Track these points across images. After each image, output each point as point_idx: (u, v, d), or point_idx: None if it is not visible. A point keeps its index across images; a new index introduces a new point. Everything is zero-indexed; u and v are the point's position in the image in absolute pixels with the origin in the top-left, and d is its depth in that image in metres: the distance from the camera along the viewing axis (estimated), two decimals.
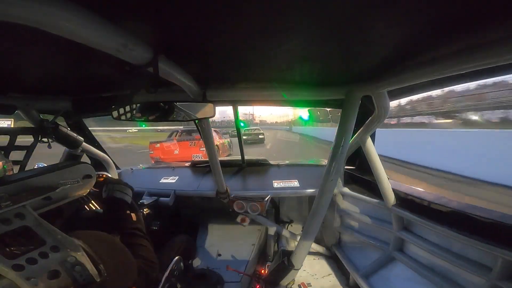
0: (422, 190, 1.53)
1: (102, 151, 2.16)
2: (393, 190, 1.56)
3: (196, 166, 2.68)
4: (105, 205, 1.28)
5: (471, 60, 0.68)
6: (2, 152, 1.28)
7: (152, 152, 8.81)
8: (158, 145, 8.84)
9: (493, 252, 1.02)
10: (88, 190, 1.04)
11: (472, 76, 0.93)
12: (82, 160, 1.95)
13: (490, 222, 1.08)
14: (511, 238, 0.99)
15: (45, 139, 1.48)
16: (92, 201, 1.46)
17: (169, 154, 8.65)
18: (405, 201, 1.51)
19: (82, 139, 1.72)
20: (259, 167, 2.63)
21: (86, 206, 1.44)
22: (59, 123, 1.58)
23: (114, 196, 1.27)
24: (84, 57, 0.86)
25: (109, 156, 2.22)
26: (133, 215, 1.25)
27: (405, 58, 0.84)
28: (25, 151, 1.49)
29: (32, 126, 1.50)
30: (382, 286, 1.61)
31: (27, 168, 1.47)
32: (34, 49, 0.77)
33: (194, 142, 8.75)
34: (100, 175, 2.11)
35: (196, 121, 1.53)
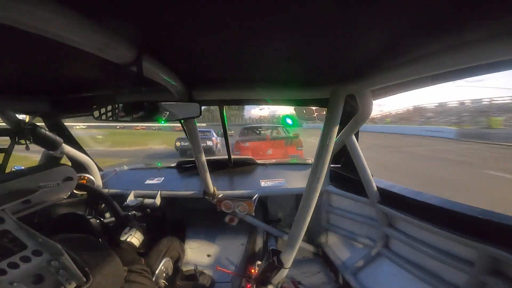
0: (405, 187, 1.57)
1: (83, 152, 2.09)
2: (377, 187, 1.60)
3: (182, 167, 2.65)
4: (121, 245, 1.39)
5: (452, 60, 0.70)
6: None
7: (238, 152, 7.45)
8: (247, 144, 7.63)
9: (476, 247, 1.06)
10: (70, 193, 1.01)
11: (453, 76, 0.96)
12: (62, 162, 1.88)
13: (472, 218, 1.12)
14: (492, 233, 1.03)
15: (22, 141, 1.42)
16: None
17: (260, 155, 7.33)
18: (389, 198, 1.55)
19: (62, 140, 1.66)
20: (246, 166, 2.63)
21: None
22: (38, 123, 1.52)
23: (131, 241, 1.41)
24: (64, 56, 0.83)
25: (90, 157, 2.15)
26: (143, 259, 1.38)
27: (387, 58, 0.86)
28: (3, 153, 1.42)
29: (9, 127, 1.44)
30: (370, 282, 1.65)
31: None
32: (10, 47, 0.73)
33: (291, 141, 7.74)
34: (82, 177, 2.06)
35: (182, 121, 1.51)
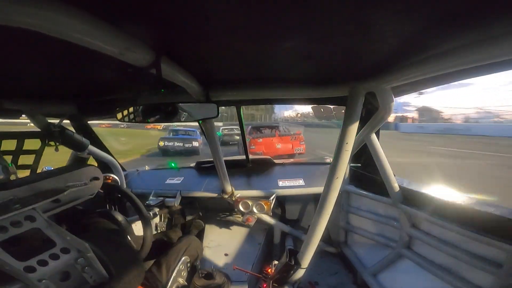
0: (429, 186, 1.51)
1: (108, 153, 2.18)
2: (400, 187, 1.55)
3: (201, 167, 2.69)
4: None
5: (477, 55, 0.66)
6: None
7: (253, 147, 9.03)
8: (261, 140, 9.41)
9: (504, 248, 1.00)
10: (96, 192, 1.05)
11: (475, 72, 0.91)
12: (88, 162, 1.97)
13: (500, 219, 1.06)
14: None
15: (52, 143, 1.50)
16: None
17: (272, 148, 9.20)
18: (412, 198, 1.49)
19: (88, 141, 1.74)
20: (264, 166, 2.63)
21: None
22: (65, 126, 1.60)
23: None
24: (88, 60, 0.87)
25: (115, 158, 2.24)
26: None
27: (408, 54, 0.83)
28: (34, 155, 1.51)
29: (39, 130, 1.52)
30: (390, 284, 1.60)
31: None
32: (38, 53, 0.78)
33: (295, 137, 9.68)
34: (107, 177, 2.15)
35: (200, 121, 1.54)
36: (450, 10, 0.53)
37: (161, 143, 12.14)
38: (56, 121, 1.66)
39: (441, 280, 1.31)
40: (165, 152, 12.07)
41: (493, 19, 0.56)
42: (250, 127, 11.07)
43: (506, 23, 0.57)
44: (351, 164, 2.06)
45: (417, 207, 1.43)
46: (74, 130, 1.85)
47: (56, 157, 1.58)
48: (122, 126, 30.66)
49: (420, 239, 1.46)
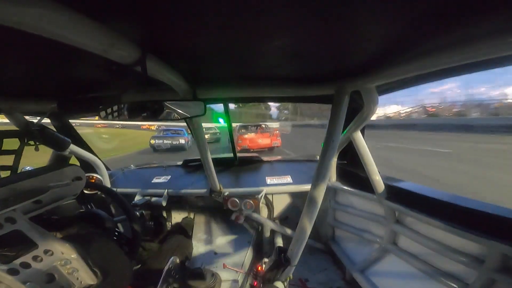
0: (413, 183, 1.55)
1: (90, 152, 2.12)
2: (384, 183, 1.59)
3: (188, 165, 2.66)
4: None
5: (458, 55, 0.68)
6: None
7: (240, 141, 11.37)
8: (246, 135, 11.85)
9: (486, 244, 1.04)
10: (79, 192, 1.02)
11: (459, 70, 0.95)
12: (70, 162, 1.91)
13: (483, 214, 1.10)
14: (503, 230, 1.01)
15: (31, 142, 1.45)
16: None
17: (255, 143, 11.65)
18: (396, 194, 1.53)
19: (70, 140, 1.68)
20: (252, 164, 2.63)
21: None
22: (45, 125, 1.54)
23: None
24: (69, 57, 0.84)
25: (98, 157, 2.18)
26: None
27: (393, 53, 0.85)
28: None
29: (18, 129, 1.46)
30: (377, 279, 1.64)
31: None
32: (18, 50, 0.74)
33: (273, 133, 12.40)
34: (91, 177, 2.09)
35: (187, 119, 1.52)
36: (434, 10, 0.55)
37: (152, 141, 14.45)
38: (35, 120, 1.60)
39: (425, 274, 1.35)
40: (155, 149, 14.40)
41: (475, 20, 0.58)
42: (238, 125, 13.36)
43: (488, 23, 0.59)
44: (338, 161, 2.09)
45: (401, 203, 1.47)
46: (55, 129, 1.79)
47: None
48: (117, 126, 30.71)
49: (404, 235, 1.50)
